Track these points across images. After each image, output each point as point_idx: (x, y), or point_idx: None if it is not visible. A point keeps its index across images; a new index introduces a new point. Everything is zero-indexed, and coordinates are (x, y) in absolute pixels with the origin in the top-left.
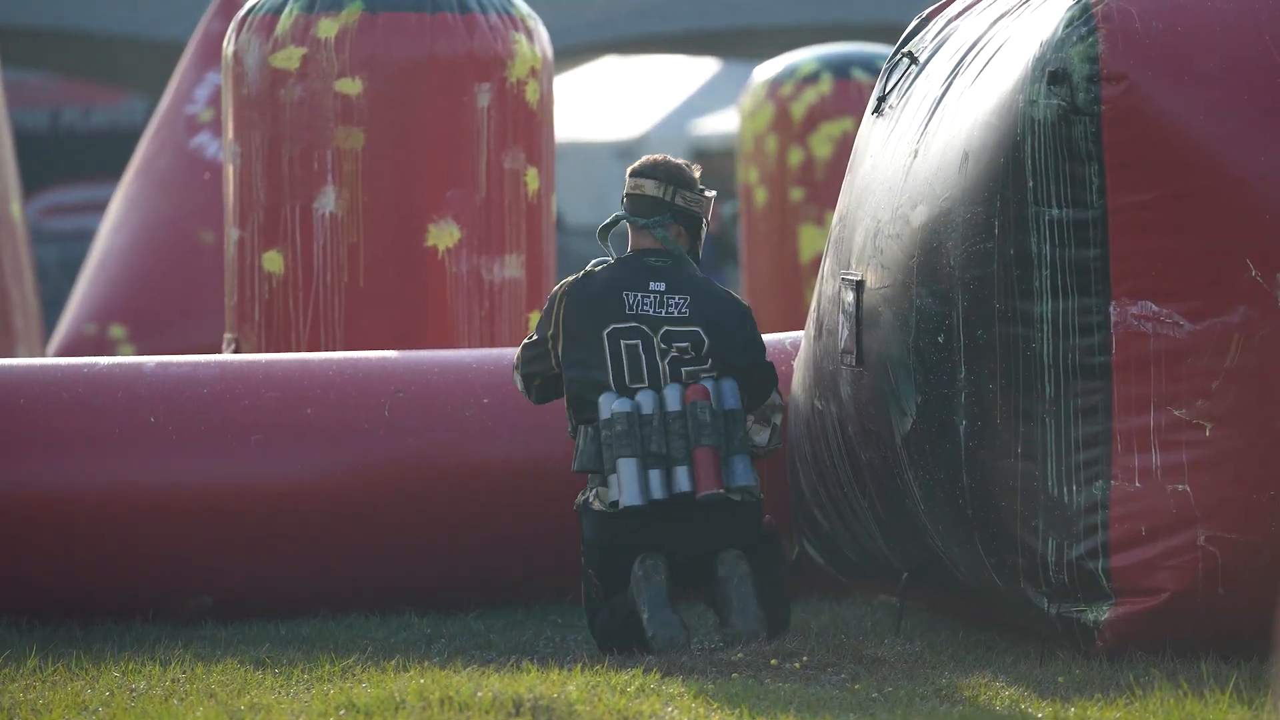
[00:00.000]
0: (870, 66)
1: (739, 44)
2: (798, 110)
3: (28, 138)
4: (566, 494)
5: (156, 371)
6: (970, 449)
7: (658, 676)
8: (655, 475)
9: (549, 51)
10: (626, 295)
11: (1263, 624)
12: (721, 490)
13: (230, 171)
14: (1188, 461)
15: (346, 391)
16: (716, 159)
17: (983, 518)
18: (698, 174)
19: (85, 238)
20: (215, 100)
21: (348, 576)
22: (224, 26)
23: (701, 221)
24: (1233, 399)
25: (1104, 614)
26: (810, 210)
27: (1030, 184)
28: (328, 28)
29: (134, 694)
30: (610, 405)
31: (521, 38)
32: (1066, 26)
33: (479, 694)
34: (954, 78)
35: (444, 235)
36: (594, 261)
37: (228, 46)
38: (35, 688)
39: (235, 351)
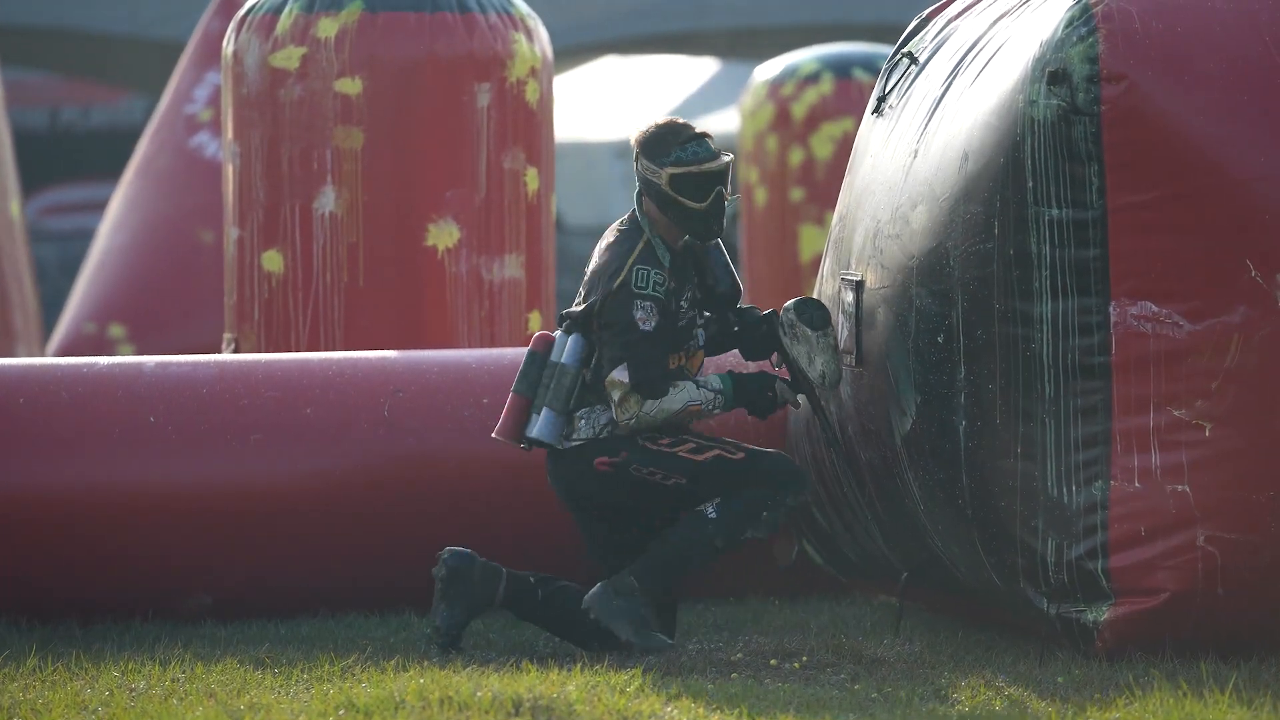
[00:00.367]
0: (871, 66)
1: (739, 44)
2: (798, 110)
3: (27, 137)
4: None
5: (156, 371)
6: (970, 449)
7: (657, 676)
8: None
9: (549, 51)
10: None
11: (1262, 624)
12: (506, 439)
13: (230, 171)
14: (1187, 462)
15: (346, 391)
16: None
17: (982, 518)
18: (688, 134)
19: (85, 237)
20: (215, 100)
21: (347, 576)
22: (223, 26)
23: (657, 191)
24: (1232, 399)
25: (1103, 614)
26: (810, 210)
27: (1030, 184)
28: (327, 27)
29: (134, 693)
30: None
31: (521, 37)
32: (1066, 26)
33: (478, 694)
34: (954, 78)
35: (444, 235)
36: None
37: (227, 46)
38: (35, 687)
39: (235, 351)
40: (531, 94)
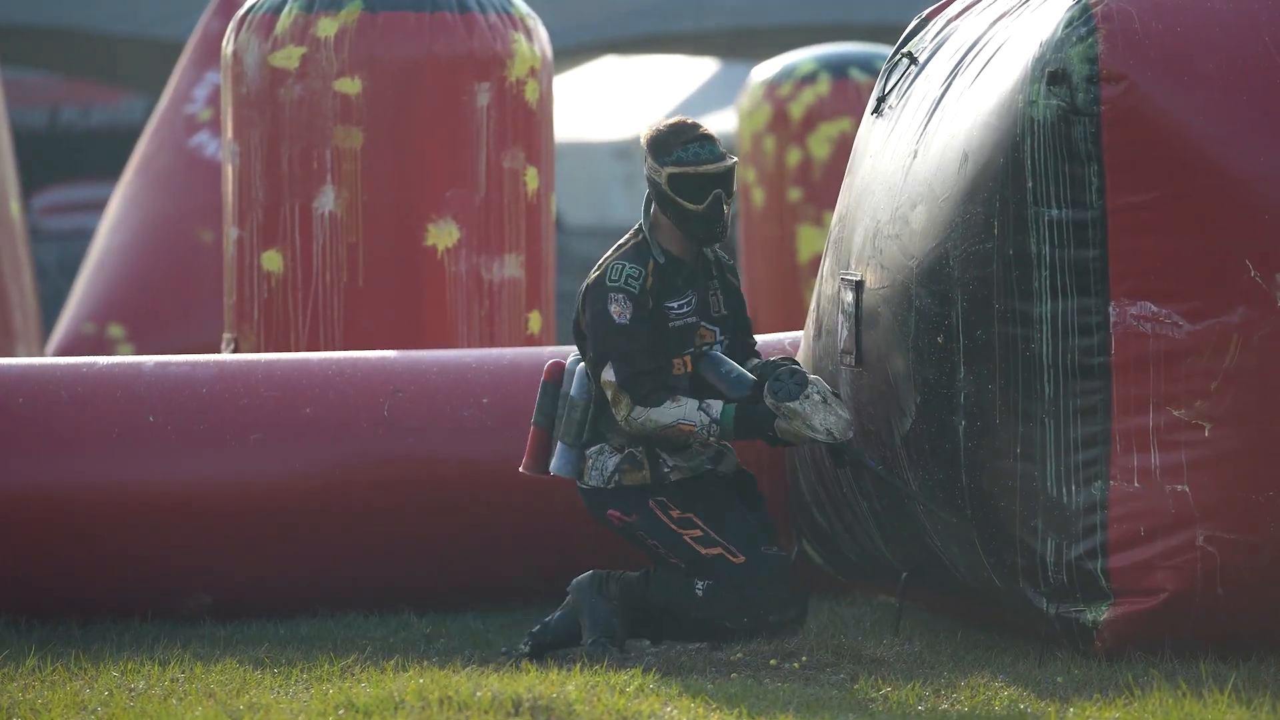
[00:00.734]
0: (869, 67)
1: (739, 44)
2: (796, 110)
3: (26, 137)
4: (566, 494)
5: (155, 371)
6: (969, 449)
7: (657, 676)
8: None
9: (548, 51)
10: None
11: (1262, 624)
12: (533, 473)
13: (229, 171)
14: (1187, 462)
15: (345, 391)
16: None
17: (982, 518)
18: (691, 134)
19: (84, 237)
20: (214, 99)
21: (347, 576)
22: (223, 26)
23: (658, 191)
24: (1232, 399)
25: (1103, 614)
26: (809, 210)
27: (1030, 184)
28: (327, 27)
29: (133, 693)
30: None
31: (521, 37)
32: (1066, 27)
33: (478, 694)
34: (953, 78)
35: (443, 235)
36: None
37: (227, 45)
38: (34, 687)
39: (234, 351)
40: (531, 94)
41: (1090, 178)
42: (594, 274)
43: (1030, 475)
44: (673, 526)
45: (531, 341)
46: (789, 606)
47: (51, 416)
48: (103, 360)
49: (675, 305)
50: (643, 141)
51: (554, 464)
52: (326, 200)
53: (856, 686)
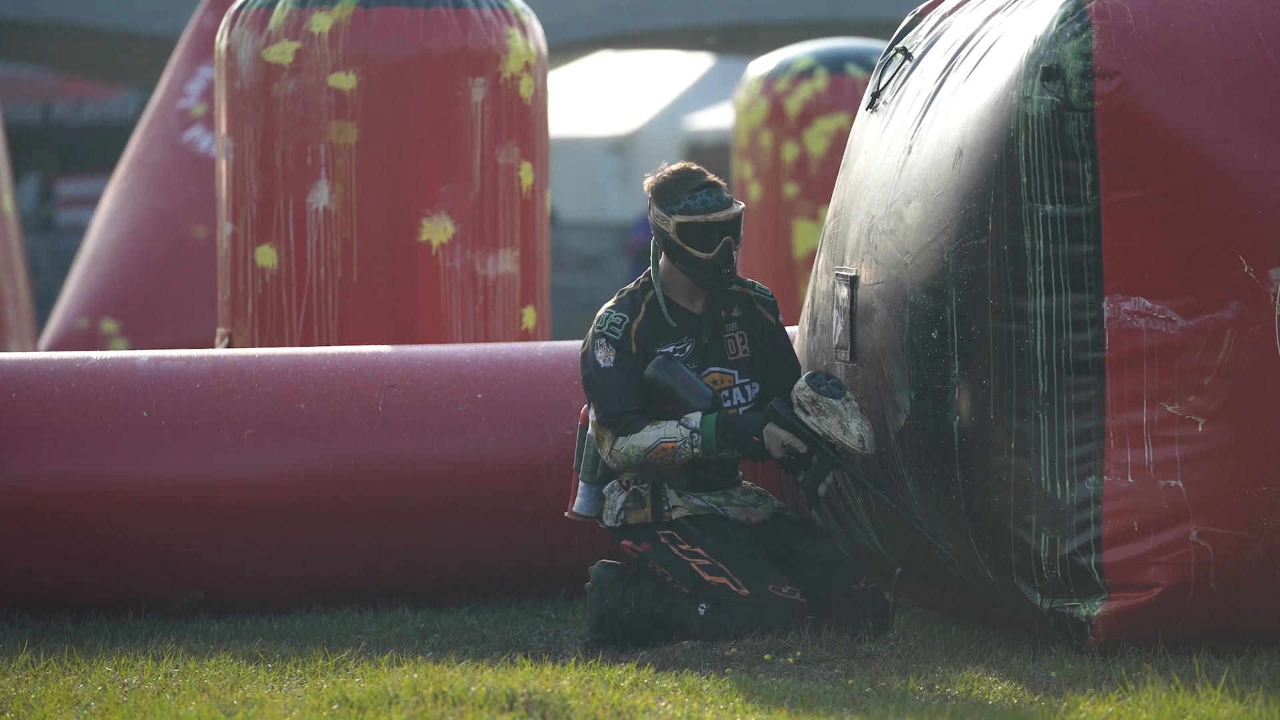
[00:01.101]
0: (865, 62)
1: (734, 39)
2: (792, 106)
3: (19, 131)
4: (560, 489)
5: (149, 366)
6: (964, 444)
7: (651, 671)
8: None
9: (543, 46)
10: None
11: (1255, 619)
12: (570, 514)
13: (223, 166)
14: (1180, 457)
15: (340, 386)
16: (710, 154)
17: (976, 513)
18: (698, 181)
19: (78, 232)
20: (208, 94)
21: (341, 571)
22: (217, 21)
23: (666, 239)
24: (1225, 394)
25: (1096, 609)
26: (804, 206)
27: (1024, 180)
28: (321, 22)
29: (126, 688)
30: None
31: (515, 32)
32: (1060, 22)
33: (472, 689)
34: (948, 73)
35: (438, 230)
36: None
37: (221, 41)
38: (27, 682)
39: (228, 346)
40: (526, 89)
41: (1084, 173)
42: (602, 309)
43: (1024, 470)
44: (680, 556)
45: (526, 337)
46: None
47: (45, 412)
48: (96, 355)
49: (668, 350)
50: (646, 189)
51: (577, 503)
52: (321, 195)
53: (851, 681)
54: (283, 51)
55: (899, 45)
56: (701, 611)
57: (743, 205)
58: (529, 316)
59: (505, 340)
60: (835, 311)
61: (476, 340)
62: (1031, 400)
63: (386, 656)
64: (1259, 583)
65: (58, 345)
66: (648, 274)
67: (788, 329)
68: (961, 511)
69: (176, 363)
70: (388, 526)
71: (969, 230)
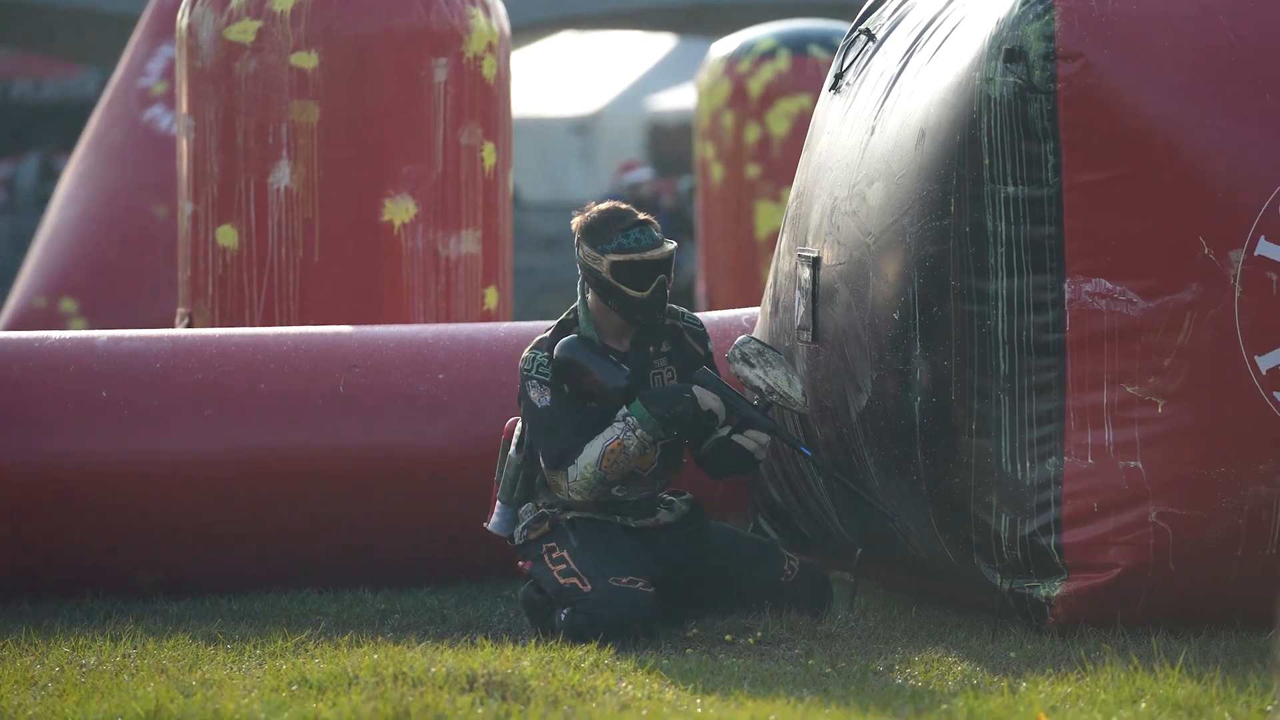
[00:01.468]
0: (828, 43)
1: (696, 20)
2: (755, 86)
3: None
4: None
5: (109, 346)
6: (925, 425)
7: (612, 652)
8: None
9: (506, 26)
10: None
11: (1213, 599)
12: (486, 525)
13: (184, 145)
14: (1140, 438)
15: (300, 367)
16: (673, 135)
17: (937, 494)
18: (630, 220)
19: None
20: (168, 73)
21: (301, 552)
22: None
23: (598, 279)
24: (1185, 376)
25: (1056, 589)
26: (767, 187)
27: (986, 161)
28: (283, 1)
29: (84, 669)
30: None
31: (478, 12)
32: (1023, 4)
33: (432, 669)
34: (911, 55)
35: (400, 210)
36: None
37: (182, 19)
38: None
39: (188, 326)
40: (489, 69)
41: (1046, 155)
42: (524, 353)
43: (985, 451)
44: (549, 565)
45: (488, 317)
46: (642, 631)
47: (3, 392)
48: (55, 335)
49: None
50: (575, 229)
51: (493, 520)
52: (282, 175)
53: (811, 661)
54: (244, 30)
55: (862, 27)
56: (562, 617)
57: (674, 244)
58: (491, 297)
59: (467, 321)
60: (797, 292)
61: (438, 321)
62: (993, 381)
63: (346, 637)
64: (1217, 564)
65: (16, 325)
66: (573, 311)
67: (750, 310)
68: (922, 492)
69: (136, 343)
70: (348, 507)
71: (931, 211)
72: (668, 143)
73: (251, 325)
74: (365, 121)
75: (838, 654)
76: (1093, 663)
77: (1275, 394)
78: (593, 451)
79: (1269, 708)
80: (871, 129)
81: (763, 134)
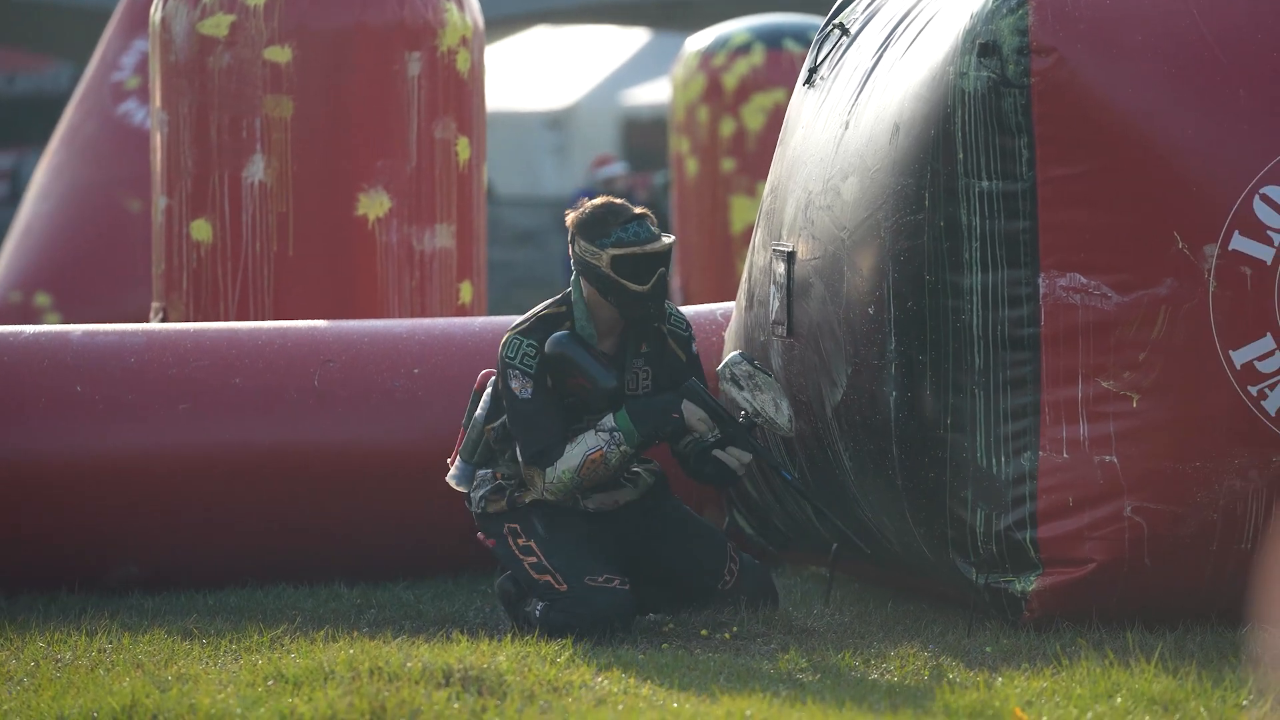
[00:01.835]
0: (802, 37)
1: (671, 14)
2: (729, 81)
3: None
4: None
5: (83, 340)
6: (900, 420)
7: (587, 646)
8: None
9: (480, 21)
10: None
11: (1188, 594)
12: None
13: (158, 139)
14: (1115, 433)
15: (275, 361)
16: (647, 130)
17: (912, 488)
18: (627, 214)
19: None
20: (142, 67)
21: (276, 546)
22: None
23: (597, 274)
24: (1160, 370)
25: (1031, 584)
26: (742, 181)
27: (960, 156)
28: None
29: (60, 664)
30: None
31: (452, 6)
32: None
33: (408, 664)
34: (885, 49)
35: (374, 204)
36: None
37: (155, 13)
38: None
39: (163, 320)
40: (463, 63)
41: (1020, 149)
42: (506, 335)
43: (960, 446)
44: (516, 553)
45: (463, 312)
46: (620, 628)
47: None
48: (29, 329)
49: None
50: (570, 224)
51: (451, 473)
52: (256, 169)
53: (787, 657)
54: (218, 24)
55: (836, 21)
56: (537, 612)
57: (673, 238)
58: (466, 291)
59: (442, 315)
60: (772, 287)
61: (413, 315)
62: (967, 376)
63: (322, 632)
64: (1192, 558)
65: None
66: (560, 303)
67: (725, 305)
68: (898, 487)
69: (110, 337)
70: (323, 502)
71: (906, 206)
72: (642, 137)
73: (226, 320)
74: (339, 116)
75: (813, 649)
76: (1068, 657)
77: (1249, 388)
78: (573, 458)
79: (1244, 702)
80: (846, 123)
81: (737, 128)
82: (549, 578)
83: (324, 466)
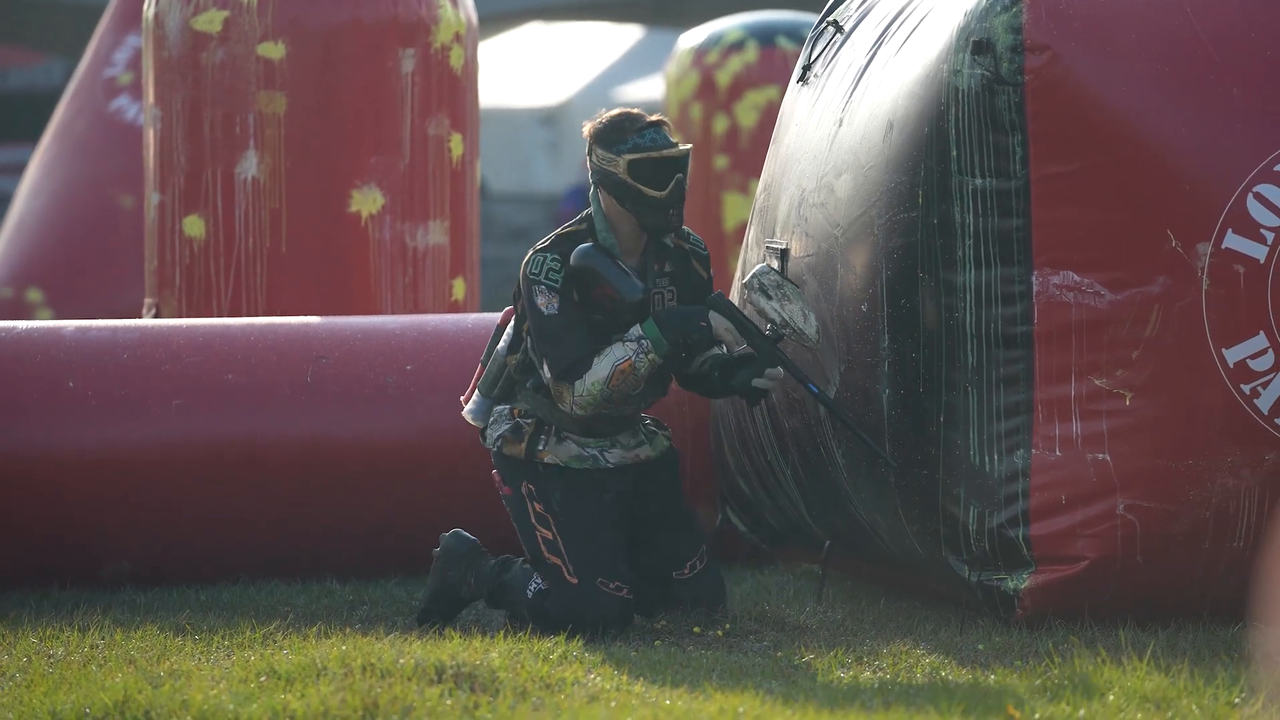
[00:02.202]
0: (796, 35)
1: (664, 11)
2: (723, 78)
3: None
4: (488, 459)
5: (76, 336)
6: (893, 417)
7: (580, 644)
8: None
9: (473, 17)
10: None
11: (1180, 592)
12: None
13: (151, 135)
14: (1108, 430)
15: (268, 357)
16: None
17: (905, 486)
18: (644, 121)
19: (3, 201)
20: (135, 63)
21: (268, 543)
22: None
23: (614, 181)
24: (1152, 368)
25: (1024, 582)
26: (735, 178)
27: (954, 153)
28: None
29: (52, 660)
30: None
31: (446, 3)
32: None
33: (401, 661)
34: (879, 47)
35: (367, 201)
36: None
37: (148, 9)
38: None
39: (155, 316)
40: (456, 60)
41: (1014, 147)
42: (528, 254)
43: (953, 443)
44: (531, 519)
45: (456, 309)
46: (613, 632)
47: None
48: (22, 325)
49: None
50: (587, 134)
51: (468, 407)
52: (249, 166)
53: (779, 654)
54: (211, 20)
55: (830, 18)
56: (530, 594)
57: (690, 145)
58: (459, 288)
59: (435, 312)
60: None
61: (406, 312)
62: (960, 373)
63: (314, 628)
64: (1184, 556)
65: None
66: (581, 222)
67: None
68: (890, 484)
69: (103, 333)
70: (316, 498)
71: (899, 203)
72: None
73: (219, 316)
74: (332, 112)
75: (806, 646)
76: (1060, 655)
77: (1242, 386)
78: (601, 370)
79: (1236, 700)
80: (839, 121)
81: (731, 125)
82: (560, 563)
83: (316, 462)
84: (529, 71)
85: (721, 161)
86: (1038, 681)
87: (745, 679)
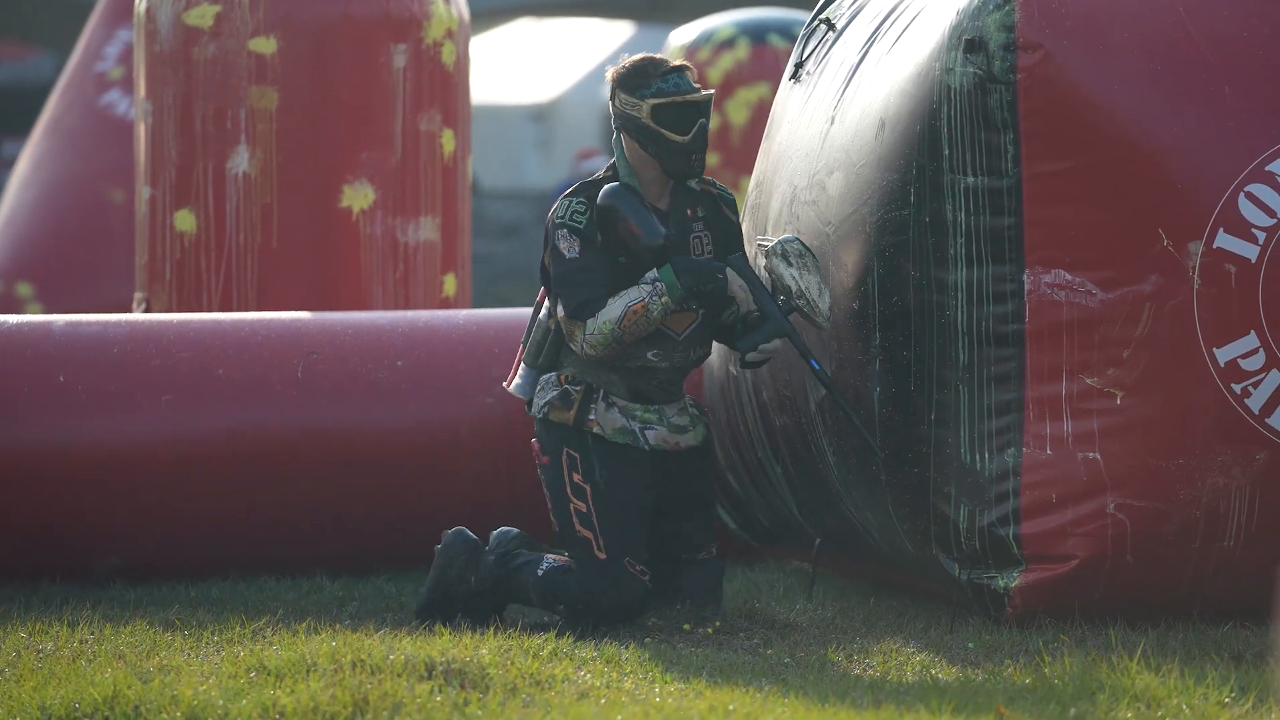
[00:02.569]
0: (787, 32)
1: (655, 8)
2: (714, 75)
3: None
4: (479, 456)
5: (66, 330)
6: (884, 415)
7: (570, 640)
8: None
9: (465, 13)
10: None
11: (1170, 591)
12: (506, 388)
13: (142, 130)
14: (1099, 429)
15: (259, 352)
16: None
17: (896, 484)
18: (666, 66)
19: None
20: (126, 58)
21: (259, 539)
22: None
23: (637, 125)
24: (1144, 367)
25: (1014, 580)
26: (726, 176)
27: (946, 152)
28: None
29: (41, 655)
30: None
31: None
32: None
33: (391, 657)
34: (871, 45)
35: (358, 196)
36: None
37: (140, 3)
38: None
39: (146, 311)
40: (448, 56)
41: (1006, 146)
42: (556, 203)
43: (944, 442)
44: (567, 489)
45: (447, 304)
46: (619, 620)
47: None
48: (12, 319)
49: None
50: (610, 79)
51: (514, 383)
52: (240, 160)
53: (769, 651)
54: (203, 15)
55: (822, 16)
56: (540, 572)
57: (713, 90)
58: (449, 284)
59: (426, 308)
60: None
61: (397, 307)
62: (951, 372)
63: (304, 624)
64: (1175, 555)
65: None
66: (611, 168)
67: None
68: (881, 482)
69: (93, 327)
70: (306, 494)
71: (891, 202)
72: None
73: (209, 310)
74: (324, 107)
75: (796, 644)
76: (1051, 654)
77: (1233, 386)
78: (615, 309)
79: (1226, 699)
80: (831, 119)
81: (722, 123)
82: (591, 536)
83: (307, 458)
84: (520, 68)
85: (713, 159)
86: (1028, 680)
87: (735, 677)
